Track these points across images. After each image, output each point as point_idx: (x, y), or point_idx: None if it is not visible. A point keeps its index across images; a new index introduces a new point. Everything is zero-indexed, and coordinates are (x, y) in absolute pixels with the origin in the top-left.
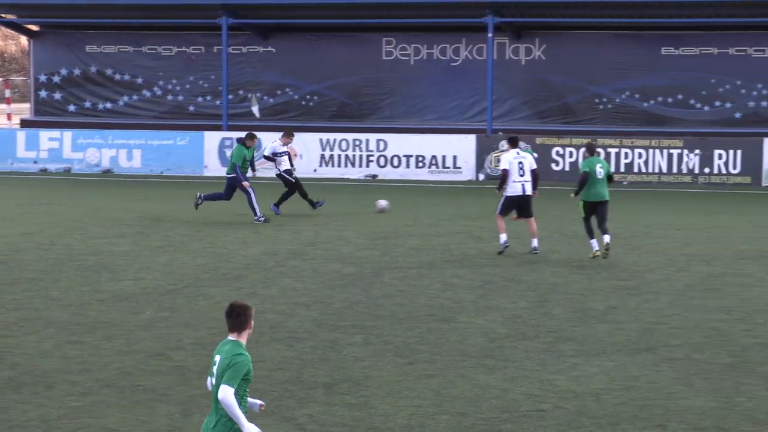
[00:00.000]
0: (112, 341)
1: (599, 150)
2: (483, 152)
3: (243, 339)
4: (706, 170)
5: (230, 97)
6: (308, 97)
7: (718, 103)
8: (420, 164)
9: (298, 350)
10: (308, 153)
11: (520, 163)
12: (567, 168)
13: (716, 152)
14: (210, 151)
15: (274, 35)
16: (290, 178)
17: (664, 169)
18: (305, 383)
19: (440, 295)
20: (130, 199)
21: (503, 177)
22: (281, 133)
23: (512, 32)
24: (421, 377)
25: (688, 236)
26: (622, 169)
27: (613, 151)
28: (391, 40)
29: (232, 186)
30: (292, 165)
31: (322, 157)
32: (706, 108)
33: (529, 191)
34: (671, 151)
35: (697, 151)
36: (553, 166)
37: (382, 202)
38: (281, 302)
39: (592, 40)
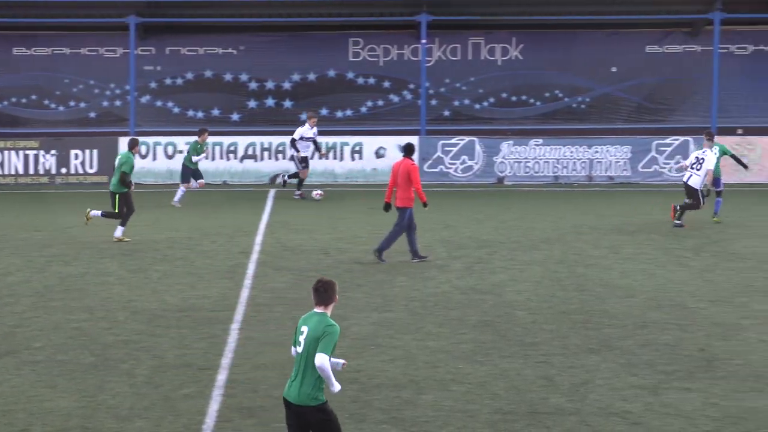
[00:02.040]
0: None
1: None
2: None
3: (329, 311)
4: (63, 170)
5: None
6: None
7: (72, 103)
8: None
9: None
10: None
11: None
12: None
13: (73, 152)
14: None
15: None
16: None
17: (21, 171)
18: None
19: None
20: None
21: None
22: None
23: None
24: None
25: (48, 237)
26: None
27: None
28: None
29: None
30: None
31: None
32: (61, 108)
33: None
34: (27, 152)
35: (53, 152)
36: None
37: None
38: None
39: None
